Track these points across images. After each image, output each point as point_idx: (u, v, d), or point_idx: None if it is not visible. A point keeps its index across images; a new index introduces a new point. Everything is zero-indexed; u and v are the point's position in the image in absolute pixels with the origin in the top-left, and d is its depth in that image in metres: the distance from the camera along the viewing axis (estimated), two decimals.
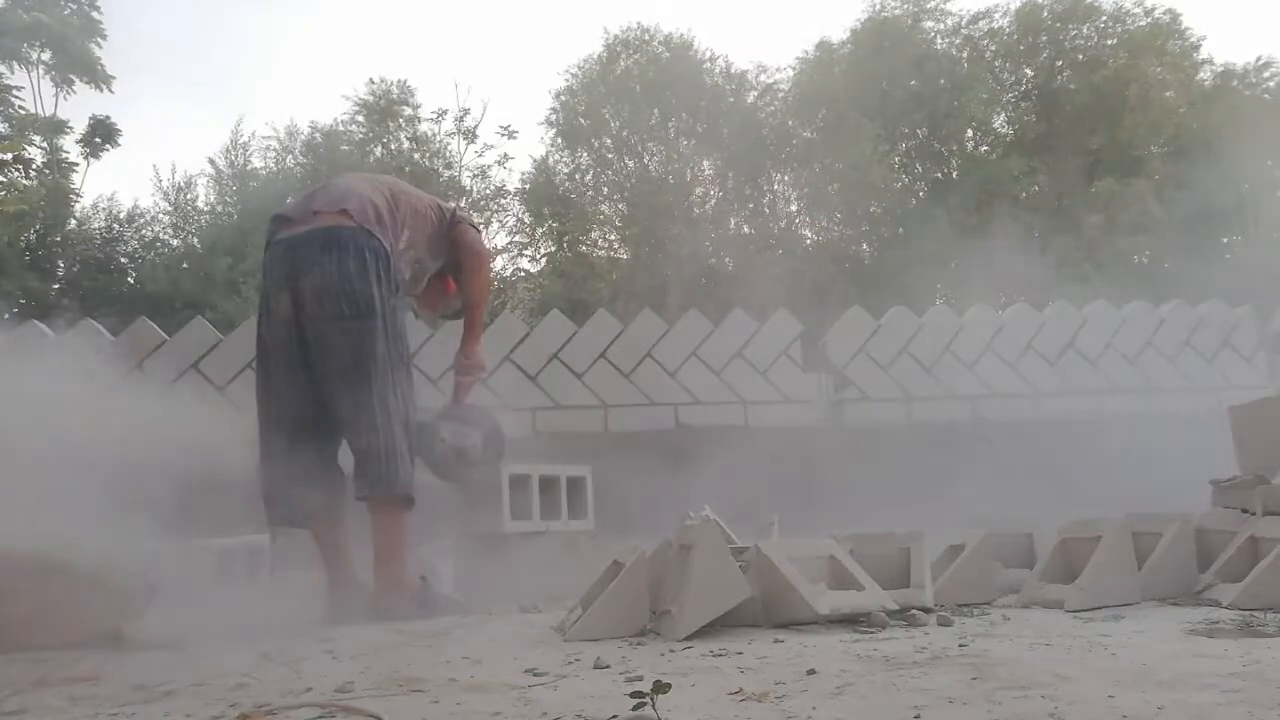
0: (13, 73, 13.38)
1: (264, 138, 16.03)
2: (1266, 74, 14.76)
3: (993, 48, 15.75)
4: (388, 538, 3.09)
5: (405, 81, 16.06)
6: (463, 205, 14.06)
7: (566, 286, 13.64)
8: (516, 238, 16.11)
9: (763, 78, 16.36)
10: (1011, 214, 13.75)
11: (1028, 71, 15.69)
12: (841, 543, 2.71)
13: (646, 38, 16.47)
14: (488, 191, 15.60)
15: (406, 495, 3.09)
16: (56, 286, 12.75)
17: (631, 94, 15.77)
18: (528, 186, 16.09)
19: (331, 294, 3.06)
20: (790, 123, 15.84)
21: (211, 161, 15.74)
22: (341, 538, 3.18)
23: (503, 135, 15.46)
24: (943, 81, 14.89)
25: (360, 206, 3.19)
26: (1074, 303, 5.66)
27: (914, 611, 2.49)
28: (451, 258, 3.49)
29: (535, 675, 1.90)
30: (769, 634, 2.31)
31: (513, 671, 1.94)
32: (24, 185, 12.78)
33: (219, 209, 15.51)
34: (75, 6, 13.90)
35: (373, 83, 16.00)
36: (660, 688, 1.56)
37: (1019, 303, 5.84)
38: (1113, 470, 4.30)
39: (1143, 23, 15.19)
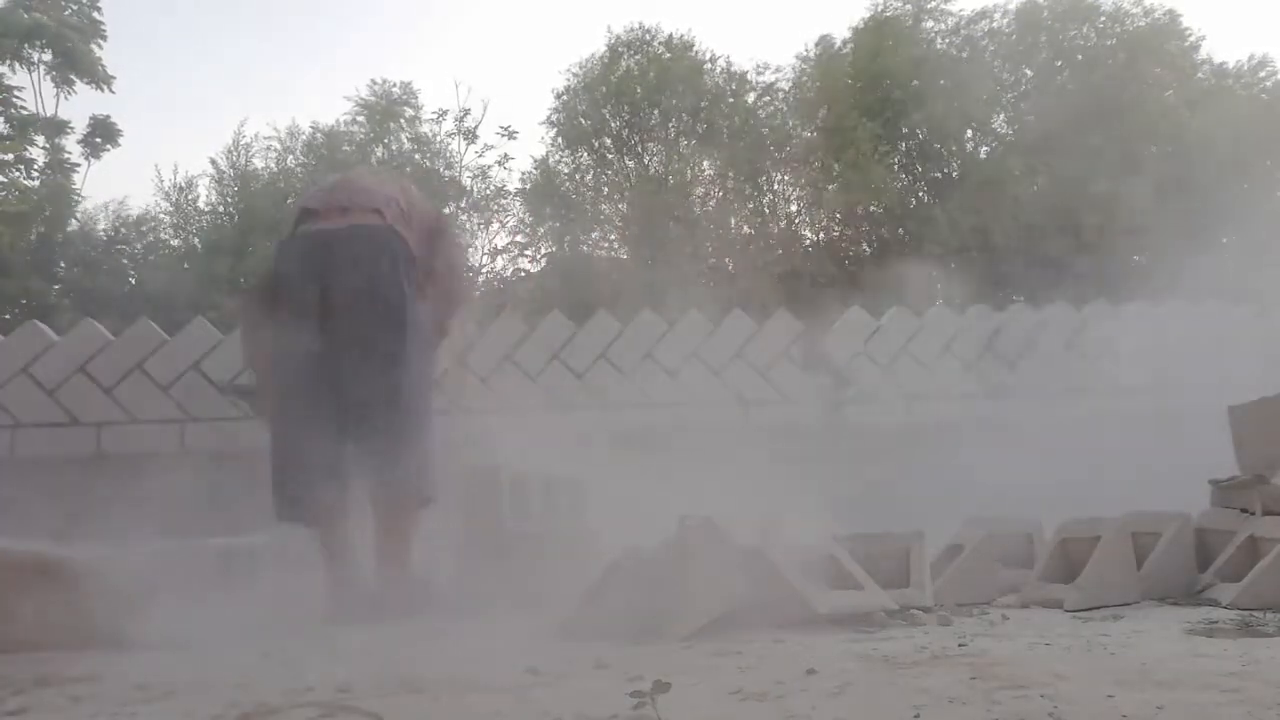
0: (14, 73, 13.40)
1: (265, 138, 16.04)
2: (1263, 73, 14.75)
3: (992, 48, 15.74)
4: (395, 536, 3.09)
5: (410, 84, 16.08)
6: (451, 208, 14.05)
7: (566, 286, 13.63)
8: (517, 238, 16.10)
9: (763, 77, 16.37)
10: (1011, 214, 13.73)
11: (1028, 71, 15.66)
12: (841, 543, 2.71)
13: (648, 38, 16.47)
14: (488, 192, 15.60)
15: (429, 496, 3.11)
16: (57, 287, 12.74)
17: (632, 94, 15.76)
18: (528, 187, 16.10)
19: (367, 295, 3.03)
20: (790, 123, 15.83)
21: (213, 162, 15.75)
22: (349, 536, 3.19)
23: (503, 135, 15.47)
24: (943, 81, 14.87)
25: (392, 206, 3.20)
26: (1073, 303, 5.66)
27: (914, 611, 2.49)
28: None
29: (535, 675, 1.90)
30: (769, 634, 2.31)
31: (513, 671, 1.94)
32: (25, 185, 12.78)
33: (220, 209, 15.51)
34: (76, 7, 13.89)
35: (374, 83, 16.02)
36: (660, 688, 1.56)
37: (1018, 302, 5.84)
38: (1112, 470, 4.30)
39: (1142, 23, 15.18)
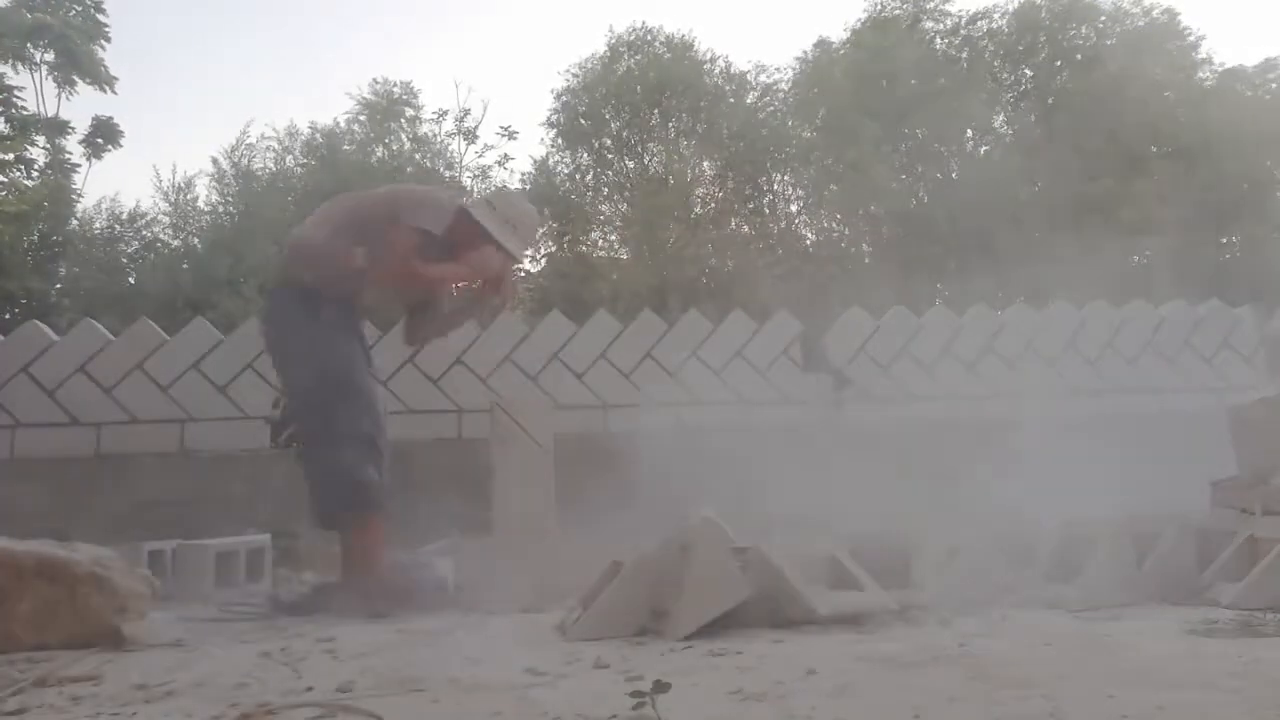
0: (16, 73, 13.40)
1: (264, 138, 16.04)
2: (1270, 75, 14.74)
3: (992, 48, 15.74)
4: (361, 540, 3.16)
5: (411, 84, 16.09)
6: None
7: (566, 286, 13.64)
8: None
9: (762, 78, 16.37)
10: (1012, 214, 13.72)
11: (1027, 71, 15.67)
12: (841, 543, 2.71)
13: (648, 38, 16.47)
14: (488, 192, 15.57)
15: (325, 515, 3.20)
16: (58, 286, 12.73)
17: (632, 94, 15.76)
18: (528, 187, 16.09)
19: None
20: (790, 123, 15.83)
21: (215, 161, 15.75)
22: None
23: (503, 136, 15.47)
24: (943, 81, 14.87)
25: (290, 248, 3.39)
26: (1074, 303, 5.66)
27: (914, 611, 2.49)
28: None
29: (535, 675, 1.90)
30: (769, 634, 2.31)
31: (513, 671, 1.94)
32: (25, 186, 12.77)
33: (220, 209, 15.50)
34: (80, 8, 13.89)
35: (375, 83, 16.03)
36: (660, 688, 1.56)
37: (1019, 303, 5.83)
38: (1113, 470, 4.30)
39: (1142, 23, 15.18)
